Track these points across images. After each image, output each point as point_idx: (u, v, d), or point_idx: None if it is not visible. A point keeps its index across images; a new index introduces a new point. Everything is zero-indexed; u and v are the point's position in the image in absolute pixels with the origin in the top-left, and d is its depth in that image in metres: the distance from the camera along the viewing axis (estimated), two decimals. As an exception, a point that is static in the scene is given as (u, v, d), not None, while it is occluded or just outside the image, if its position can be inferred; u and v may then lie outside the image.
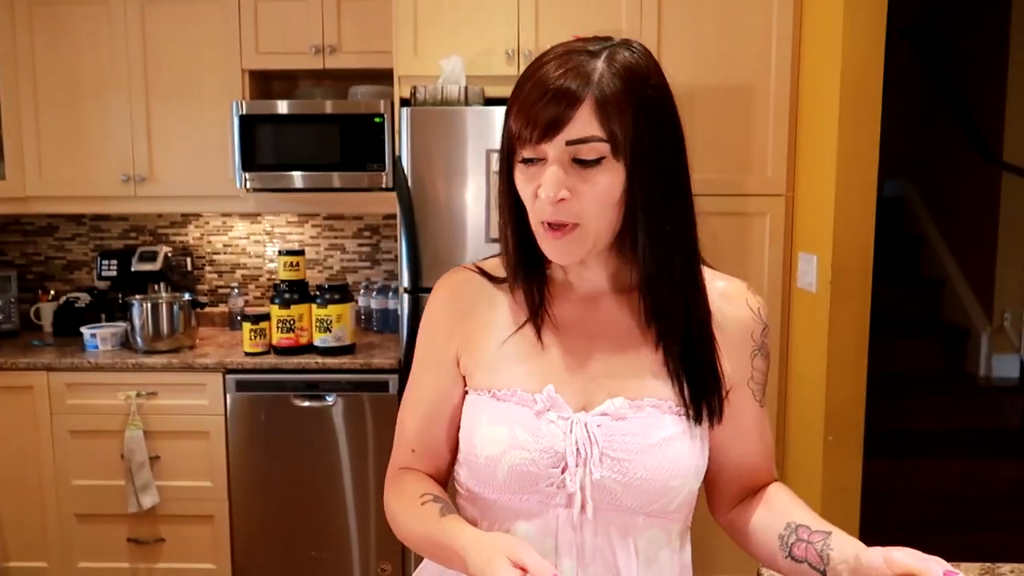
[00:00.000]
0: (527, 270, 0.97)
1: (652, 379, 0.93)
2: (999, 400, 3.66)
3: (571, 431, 0.90)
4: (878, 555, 0.79)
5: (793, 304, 2.57)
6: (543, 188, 0.86)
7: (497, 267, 1.01)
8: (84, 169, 2.94)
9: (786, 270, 2.58)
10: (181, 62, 2.88)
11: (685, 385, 0.92)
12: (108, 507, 2.74)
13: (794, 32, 2.50)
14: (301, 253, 2.81)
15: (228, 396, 2.69)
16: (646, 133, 0.86)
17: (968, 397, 3.67)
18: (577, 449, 0.90)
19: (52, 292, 3.21)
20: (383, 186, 2.78)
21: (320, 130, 2.77)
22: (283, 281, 2.77)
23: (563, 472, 0.90)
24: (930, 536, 2.98)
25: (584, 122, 0.84)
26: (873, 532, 2.74)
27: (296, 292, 2.75)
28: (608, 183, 0.86)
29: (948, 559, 0.78)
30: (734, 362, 0.97)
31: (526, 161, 0.88)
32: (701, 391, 0.93)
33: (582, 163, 0.85)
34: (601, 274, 0.97)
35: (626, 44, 0.89)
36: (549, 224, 0.88)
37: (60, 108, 2.91)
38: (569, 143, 0.84)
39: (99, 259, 3.10)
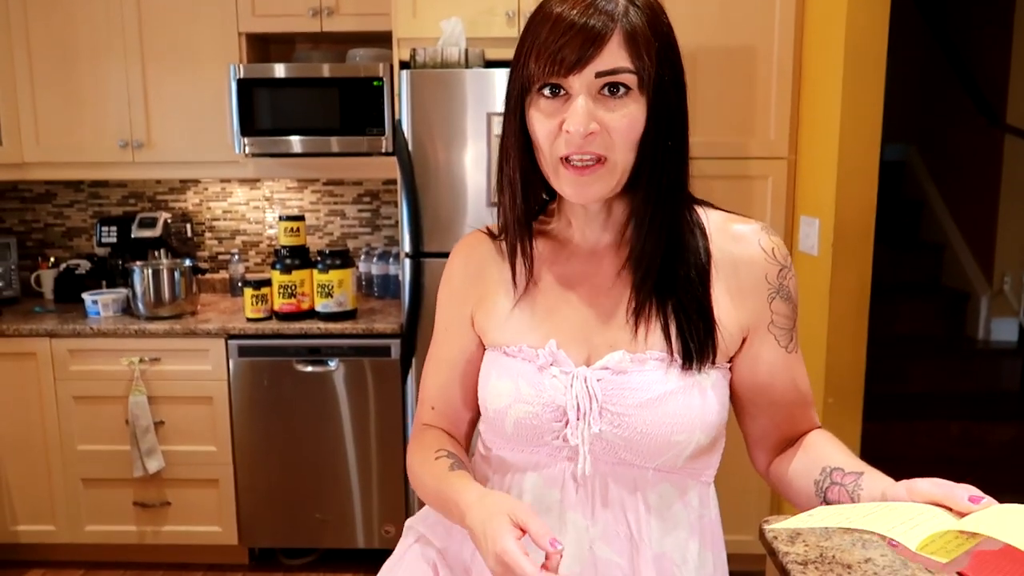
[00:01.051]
0: (526, 221, 0.97)
1: (656, 331, 0.92)
2: (998, 363, 3.68)
3: (571, 386, 0.91)
4: (902, 488, 0.77)
5: (795, 267, 2.57)
6: (571, 120, 0.84)
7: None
8: (81, 135, 2.91)
9: (788, 233, 2.58)
10: (177, 25, 2.85)
11: (673, 330, 0.91)
12: (114, 472, 2.77)
13: (798, -8, 2.46)
14: (301, 219, 2.80)
15: (231, 361, 2.71)
16: (667, 69, 0.87)
17: (967, 360, 3.69)
18: (577, 404, 0.90)
19: (52, 259, 3.21)
20: (383, 151, 2.76)
21: (319, 94, 2.74)
22: (284, 247, 2.77)
23: (566, 426, 0.91)
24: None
25: (613, 54, 0.83)
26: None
27: (297, 258, 2.75)
28: (635, 114, 0.85)
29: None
30: (750, 307, 0.94)
31: (549, 90, 0.86)
32: (688, 334, 0.91)
33: (612, 92, 0.84)
34: (608, 228, 0.96)
35: None
36: (570, 160, 0.86)
37: (56, 74, 2.88)
38: (599, 74, 0.83)
39: (98, 225, 3.09)
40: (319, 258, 2.74)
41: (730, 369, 0.97)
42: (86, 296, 2.87)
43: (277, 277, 2.73)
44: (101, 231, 3.08)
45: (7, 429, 2.79)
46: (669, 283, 0.92)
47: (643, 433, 0.89)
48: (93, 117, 2.90)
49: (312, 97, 2.75)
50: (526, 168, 0.92)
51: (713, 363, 0.92)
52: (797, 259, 2.56)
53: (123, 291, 2.91)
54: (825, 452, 0.93)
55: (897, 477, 0.87)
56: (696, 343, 0.91)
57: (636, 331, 0.92)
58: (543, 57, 0.84)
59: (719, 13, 2.48)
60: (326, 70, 2.74)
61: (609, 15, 0.83)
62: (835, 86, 2.28)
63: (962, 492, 0.71)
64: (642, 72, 0.84)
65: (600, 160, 0.86)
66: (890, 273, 3.76)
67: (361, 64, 2.78)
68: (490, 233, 1.04)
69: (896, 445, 3.22)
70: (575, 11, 0.83)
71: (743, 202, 2.56)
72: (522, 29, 0.89)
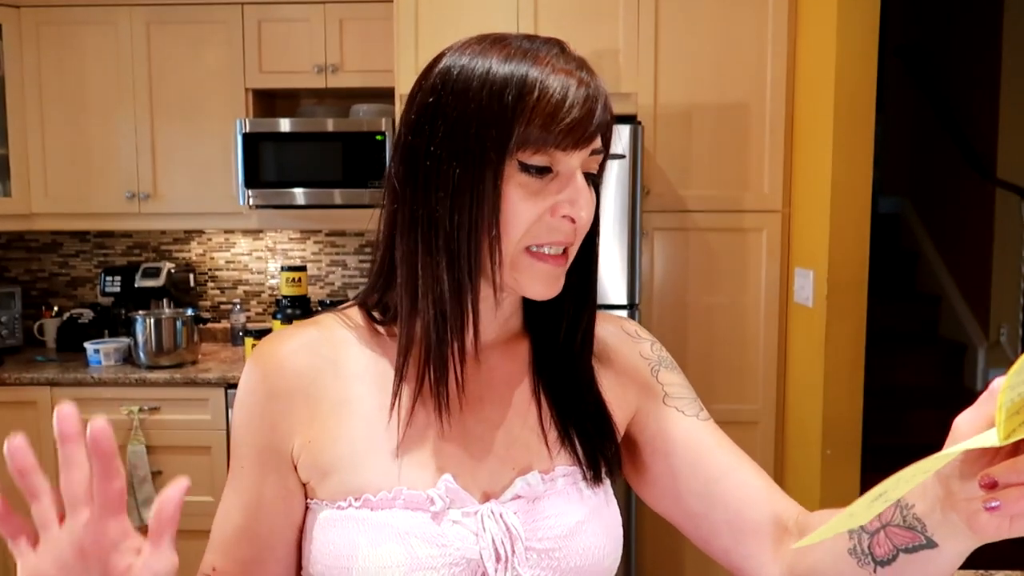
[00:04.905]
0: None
1: (556, 443, 0.76)
2: (997, 415, 3.67)
3: (483, 529, 0.70)
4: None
5: (790, 319, 2.59)
6: (581, 204, 0.70)
7: (335, 321, 0.80)
8: (89, 186, 2.97)
9: (783, 285, 2.61)
10: (186, 81, 2.93)
11: (576, 440, 0.77)
12: (110, 522, 2.75)
13: (789, 50, 2.54)
14: (303, 269, 2.84)
15: (230, 411, 2.71)
16: None
17: (966, 412, 3.69)
18: (496, 550, 0.70)
19: (56, 308, 3.24)
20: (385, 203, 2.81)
21: (322, 148, 2.81)
22: (285, 297, 2.80)
23: None
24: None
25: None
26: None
27: (298, 308, 2.78)
28: (595, 203, 0.75)
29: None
30: (632, 390, 0.82)
31: (531, 170, 0.69)
32: (595, 442, 0.77)
33: (592, 177, 0.73)
34: (497, 322, 0.79)
35: None
36: (540, 249, 0.71)
37: (66, 126, 2.95)
38: (594, 152, 0.71)
39: (103, 275, 3.13)
40: (320, 308, 2.77)
41: (639, 474, 0.82)
42: (88, 345, 2.89)
43: (278, 326, 2.75)
44: (105, 281, 3.12)
45: (4, 478, 2.77)
46: (582, 382, 0.79)
47: (577, 568, 0.72)
48: (101, 169, 2.96)
49: (316, 151, 2.81)
50: (485, 248, 0.70)
51: (619, 471, 0.80)
52: (793, 310, 2.59)
53: (125, 340, 2.93)
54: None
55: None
56: (605, 451, 0.77)
57: (539, 445, 0.76)
58: (558, 125, 0.67)
59: (713, 71, 2.56)
60: (330, 125, 2.81)
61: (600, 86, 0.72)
62: (826, 140, 2.34)
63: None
64: (606, 157, 0.75)
65: (565, 251, 0.73)
66: (888, 324, 3.78)
67: (364, 119, 2.85)
68: (345, 320, 0.79)
69: (897, 497, 3.20)
70: (582, 74, 0.70)
71: (739, 254, 2.60)
72: (491, 65, 0.69)
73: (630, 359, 0.83)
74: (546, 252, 0.71)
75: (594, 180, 0.73)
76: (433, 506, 0.70)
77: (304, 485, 0.75)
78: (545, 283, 0.72)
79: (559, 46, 0.71)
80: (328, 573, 0.70)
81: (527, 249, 0.71)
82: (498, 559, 0.70)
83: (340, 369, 0.75)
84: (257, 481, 0.75)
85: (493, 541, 0.70)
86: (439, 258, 0.70)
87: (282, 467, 0.74)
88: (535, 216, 0.69)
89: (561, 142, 0.67)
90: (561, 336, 0.79)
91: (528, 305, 0.81)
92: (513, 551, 0.70)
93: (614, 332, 0.85)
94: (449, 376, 0.73)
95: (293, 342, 0.76)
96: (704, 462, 0.78)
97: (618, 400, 0.81)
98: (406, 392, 0.74)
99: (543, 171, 0.69)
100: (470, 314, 0.72)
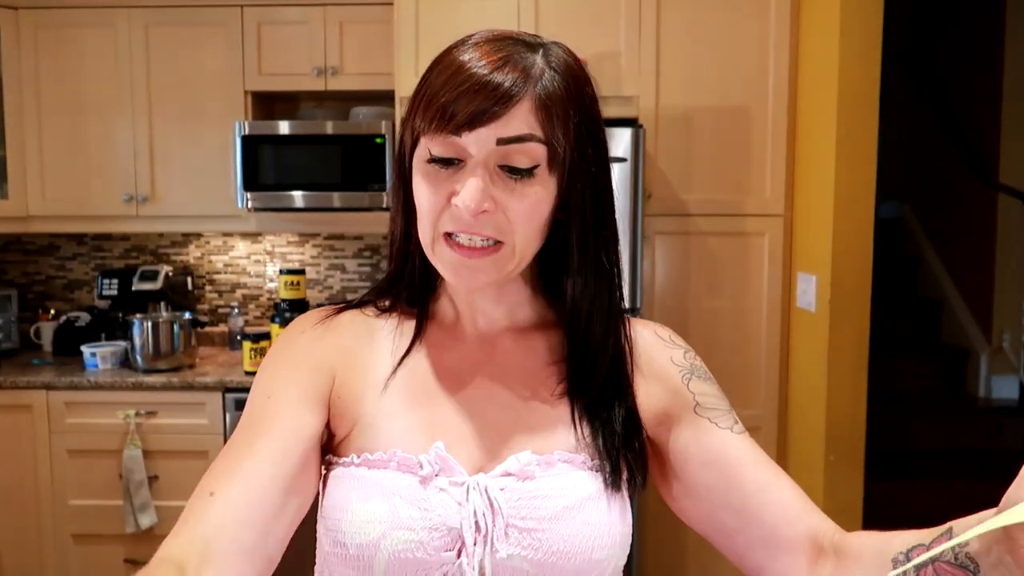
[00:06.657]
0: (421, 299, 0.82)
1: (561, 430, 0.77)
2: (999, 421, 3.65)
3: (467, 499, 0.71)
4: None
5: (792, 323, 2.58)
6: (463, 194, 0.69)
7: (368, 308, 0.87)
8: (86, 189, 2.95)
9: (785, 290, 2.59)
10: (184, 83, 2.91)
11: (601, 437, 0.76)
12: (106, 527, 2.73)
13: (791, 54, 2.53)
14: (302, 272, 2.82)
15: (227, 415, 2.69)
16: (587, 144, 0.74)
17: (968, 418, 3.67)
18: (476, 522, 0.71)
19: (52, 311, 3.21)
20: (384, 206, 2.80)
21: (322, 151, 2.79)
22: (284, 300, 2.78)
23: (459, 555, 0.70)
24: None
25: (522, 120, 0.69)
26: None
27: (297, 311, 2.76)
28: (540, 197, 0.72)
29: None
30: (660, 396, 0.81)
31: (436, 161, 0.71)
32: (617, 443, 0.76)
33: (513, 171, 0.70)
34: (500, 309, 0.81)
35: (556, 44, 0.75)
36: (455, 238, 0.72)
37: (64, 128, 2.93)
38: (501, 141, 0.69)
39: (100, 278, 3.11)
40: (319, 312, 2.75)
41: (670, 484, 0.80)
42: (85, 348, 2.87)
43: (276, 331, 2.73)
44: (103, 284, 3.10)
45: (3, 479, 2.75)
46: (599, 380, 0.79)
47: (560, 552, 0.71)
48: (99, 172, 2.94)
49: (315, 154, 2.79)
50: (415, 240, 0.78)
51: (644, 479, 0.78)
52: (795, 315, 2.57)
53: (122, 344, 2.91)
54: (881, 544, 0.67)
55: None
56: (626, 448, 0.77)
57: (540, 429, 0.77)
58: (431, 109, 0.69)
59: (714, 74, 2.54)
60: (329, 127, 2.79)
61: (524, 73, 0.69)
62: (829, 145, 2.32)
63: None
64: (555, 145, 0.71)
65: (494, 244, 0.72)
66: (889, 329, 3.76)
67: (364, 122, 2.84)
68: (351, 306, 0.86)
69: (899, 503, 3.18)
70: (482, 63, 0.69)
71: (741, 259, 2.58)
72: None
73: (660, 363, 0.82)
74: (460, 241, 0.72)
75: (519, 172, 0.71)
76: (421, 470, 0.72)
77: (330, 437, 0.79)
78: (454, 271, 0.73)
79: (492, 35, 0.73)
80: (329, 524, 0.74)
81: (445, 236, 0.73)
82: (478, 532, 0.71)
83: (371, 339, 0.82)
84: (289, 413, 0.74)
85: (475, 513, 0.71)
86: (392, 232, 0.82)
87: (316, 403, 0.76)
88: (435, 204, 0.72)
89: (439, 125, 0.69)
90: (567, 296, 0.80)
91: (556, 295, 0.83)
92: (494, 525, 0.71)
93: (647, 335, 0.84)
94: (408, 341, 0.81)
95: (337, 310, 0.85)
96: (740, 477, 0.76)
97: (643, 401, 0.81)
98: (418, 363, 0.80)
99: (448, 162, 0.71)
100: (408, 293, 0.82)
